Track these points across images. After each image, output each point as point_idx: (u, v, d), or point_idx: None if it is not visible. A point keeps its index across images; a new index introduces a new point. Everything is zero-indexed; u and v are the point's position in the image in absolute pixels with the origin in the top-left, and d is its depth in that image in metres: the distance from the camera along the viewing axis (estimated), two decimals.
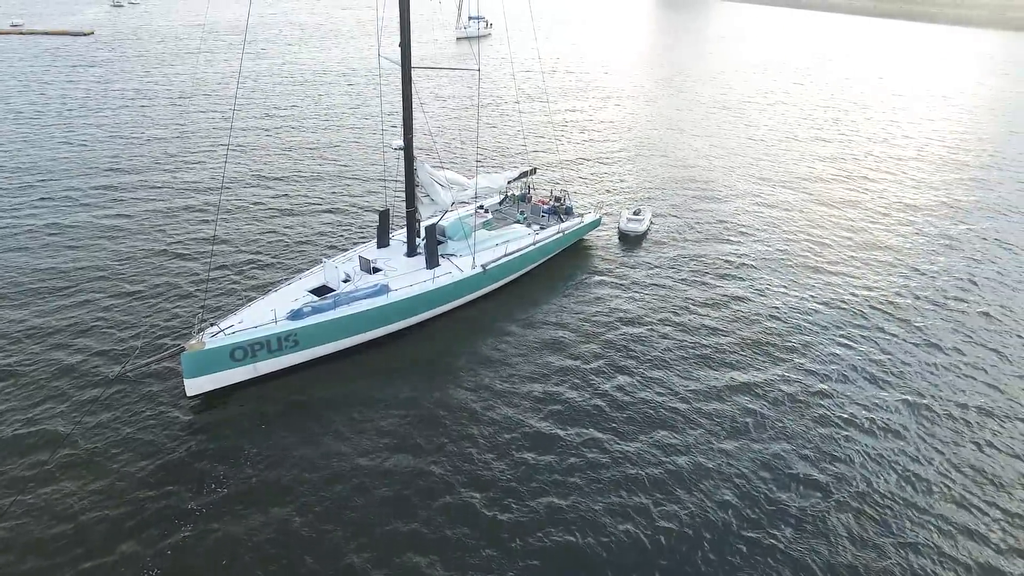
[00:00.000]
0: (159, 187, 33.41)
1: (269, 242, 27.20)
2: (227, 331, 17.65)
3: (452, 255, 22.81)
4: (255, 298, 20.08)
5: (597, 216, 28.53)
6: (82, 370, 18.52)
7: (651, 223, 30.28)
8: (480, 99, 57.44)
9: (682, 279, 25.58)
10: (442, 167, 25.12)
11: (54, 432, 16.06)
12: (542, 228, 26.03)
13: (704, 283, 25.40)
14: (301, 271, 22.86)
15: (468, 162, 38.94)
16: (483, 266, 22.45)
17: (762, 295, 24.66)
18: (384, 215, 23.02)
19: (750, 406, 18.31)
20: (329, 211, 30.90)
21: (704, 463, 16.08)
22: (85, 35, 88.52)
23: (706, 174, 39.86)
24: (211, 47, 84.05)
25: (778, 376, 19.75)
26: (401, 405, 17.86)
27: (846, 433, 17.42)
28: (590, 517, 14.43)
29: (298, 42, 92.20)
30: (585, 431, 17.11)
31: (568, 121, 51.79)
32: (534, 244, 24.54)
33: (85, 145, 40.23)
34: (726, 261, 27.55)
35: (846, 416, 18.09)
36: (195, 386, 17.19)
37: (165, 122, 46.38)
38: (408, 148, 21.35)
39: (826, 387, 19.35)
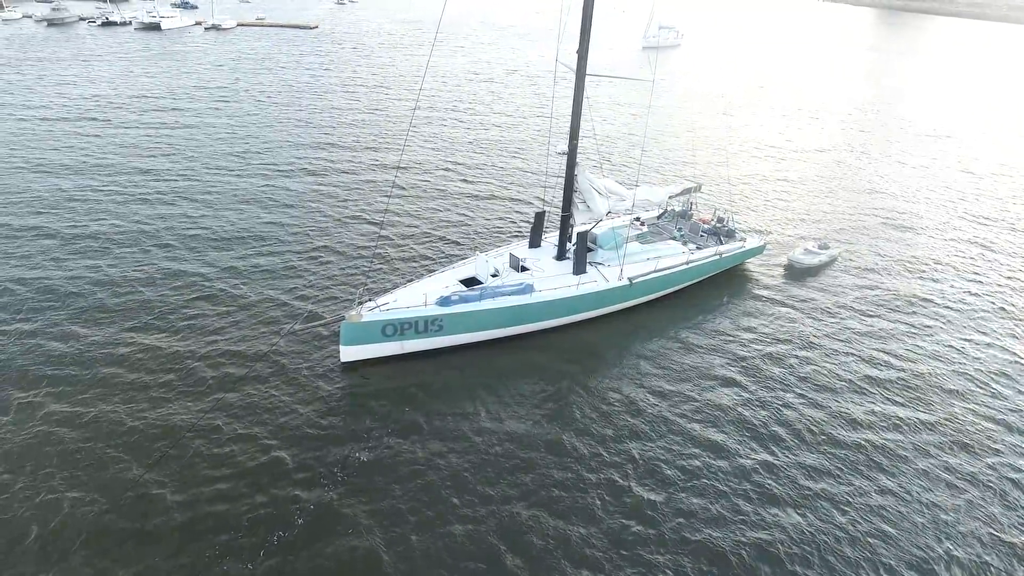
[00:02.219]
0: (356, 162, 37.35)
1: (431, 228, 28.97)
2: (382, 307, 19.14)
3: (601, 264, 22.72)
4: (410, 280, 21.57)
5: (761, 243, 26.78)
6: (279, 301, 22.04)
7: (831, 258, 27.68)
8: (655, 110, 56.33)
9: (851, 321, 23.24)
10: (603, 175, 25.06)
11: (253, 352, 19.39)
12: (698, 248, 25.01)
13: (879, 326, 22.87)
14: (455, 260, 24.12)
15: (632, 172, 38.45)
16: (630, 279, 22.09)
17: (947, 346, 21.71)
18: (539, 216, 23.50)
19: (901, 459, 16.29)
20: (490, 206, 32.19)
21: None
22: (311, 28, 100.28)
23: (906, 208, 35.85)
24: (414, 42, 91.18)
25: (946, 423, 17.33)
26: (533, 397, 18.29)
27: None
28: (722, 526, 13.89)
29: (491, 42, 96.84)
30: (723, 444, 16.56)
31: (751, 138, 49.05)
32: (687, 263, 23.66)
33: (307, 121, 46.16)
34: (910, 305, 24.66)
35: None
36: (349, 353, 18.88)
37: (369, 106, 51.40)
38: (572, 153, 21.59)
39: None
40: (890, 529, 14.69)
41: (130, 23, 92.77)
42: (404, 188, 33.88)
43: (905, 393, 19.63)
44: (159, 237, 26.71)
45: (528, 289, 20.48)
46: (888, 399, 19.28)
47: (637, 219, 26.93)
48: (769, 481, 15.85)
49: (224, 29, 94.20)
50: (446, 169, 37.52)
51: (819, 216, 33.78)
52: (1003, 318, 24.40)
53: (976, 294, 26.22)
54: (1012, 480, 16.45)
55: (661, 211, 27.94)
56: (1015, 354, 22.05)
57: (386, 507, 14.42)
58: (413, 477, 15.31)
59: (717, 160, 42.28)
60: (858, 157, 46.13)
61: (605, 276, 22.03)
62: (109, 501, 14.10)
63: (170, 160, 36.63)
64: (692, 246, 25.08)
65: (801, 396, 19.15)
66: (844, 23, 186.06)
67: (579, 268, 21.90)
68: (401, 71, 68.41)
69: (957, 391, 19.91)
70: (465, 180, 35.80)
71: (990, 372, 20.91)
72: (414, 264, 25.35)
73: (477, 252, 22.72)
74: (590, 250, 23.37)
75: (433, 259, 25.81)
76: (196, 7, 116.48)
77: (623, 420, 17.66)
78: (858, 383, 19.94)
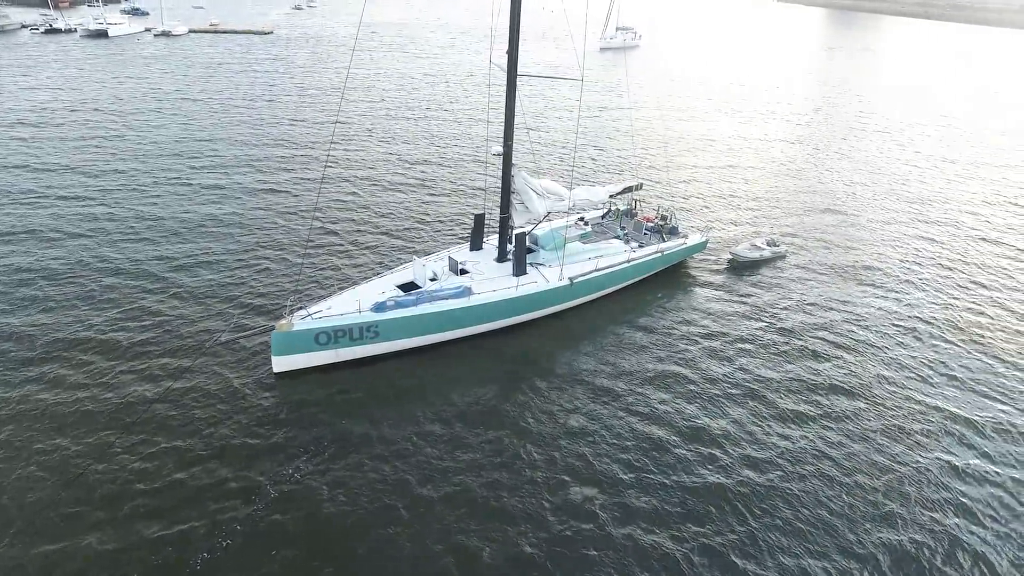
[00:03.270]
0: (306, 167, 36.78)
1: (371, 232, 28.52)
2: (315, 315, 18.74)
3: (541, 265, 22.62)
4: (346, 287, 21.17)
5: (703, 239, 27.03)
6: (218, 305, 21.91)
7: (775, 255, 27.96)
8: (608, 111, 56.69)
9: (788, 311, 23.56)
10: (540, 176, 25.00)
11: (186, 359, 18.99)
12: (641, 246, 25.11)
13: (818, 314, 23.26)
14: (394, 265, 23.79)
15: (585, 172, 38.61)
16: (570, 279, 22.03)
17: (882, 333, 22.17)
18: (479, 218, 23.33)
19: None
20: (430, 209, 31.87)
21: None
22: (266, 34, 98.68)
23: (851, 200, 36.73)
24: (372, 46, 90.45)
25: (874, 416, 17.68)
26: (475, 399, 18.11)
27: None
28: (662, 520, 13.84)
29: (450, 45, 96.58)
30: (666, 436, 16.58)
31: (702, 136, 49.71)
32: (628, 262, 23.72)
33: (254, 126, 45.49)
34: (850, 294, 25.17)
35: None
36: (281, 363, 18.41)
37: (323, 110, 50.54)
38: (507, 155, 21.45)
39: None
40: (826, 513, 14.95)
41: (75, 30, 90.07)
42: (356, 191, 33.45)
43: (839, 377, 20.01)
44: (98, 238, 26.46)
45: (466, 292, 20.27)
46: (822, 383, 19.65)
47: (581, 219, 26.93)
48: (711, 468, 16.03)
49: (175, 35, 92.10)
50: (394, 172, 37.10)
51: (768, 211, 34.29)
52: (936, 303, 24.99)
53: (912, 281, 26.83)
54: (940, 460, 16.84)
55: (605, 210, 28.02)
56: (947, 338, 22.63)
57: (326, 513, 14.11)
58: (356, 481, 15.01)
59: (667, 157, 42.69)
60: (808, 152, 47.07)
61: (545, 276, 21.94)
62: (30, 522, 13.53)
63: (110, 164, 35.93)
64: (634, 244, 25.17)
65: (739, 383, 19.41)
66: (796, 22, 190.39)
67: (519, 269, 21.76)
68: (357, 75, 67.68)
69: (889, 375, 20.36)
70: (404, 182, 35.44)
71: (923, 357, 21.40)
72: (351, 270, 24.93)
73: (415, 256, 22.41)
74: (531, 251, 23.30)
75: (371, 264, 25.43)
76: (147, 13, 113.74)
77: (566, 417, 17.62)
78: (798, 369, 20.29)
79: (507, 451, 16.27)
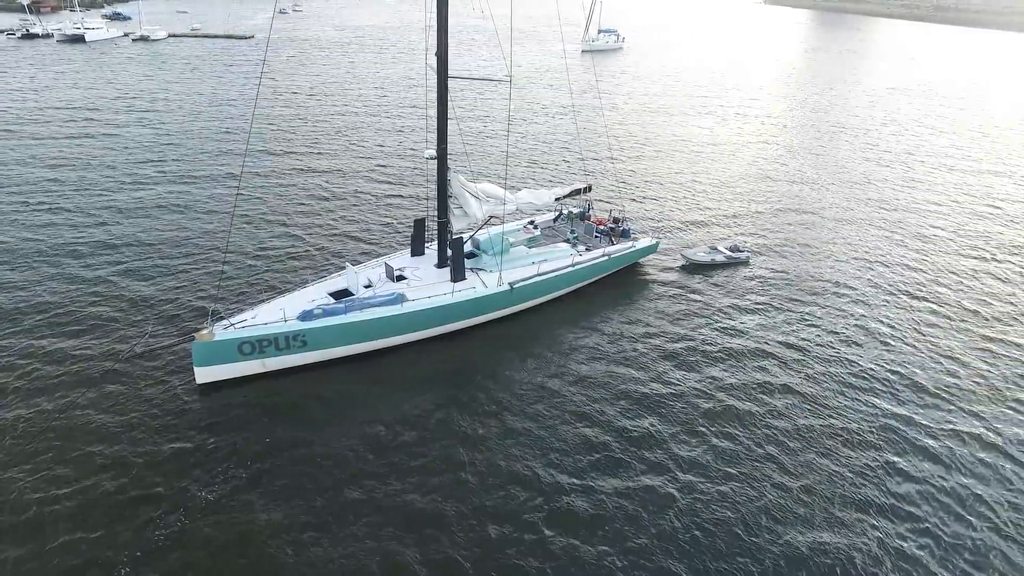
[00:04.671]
0: (272, 171, 36.07)
1: (305, 240, 27.80)
2: (237, 325, 18.22)
3: (482, 270, 22.13)
4: (275, 295, 20.64)
5: (653, 241, 26.59)
6: (149, 310, 21.63)
7: (729, 258, 27.39)
8: (583, 109, 56.37)
9: (731, 312, 23.14)
10: (476, 179, 24.56)
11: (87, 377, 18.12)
12: (589, 249, 24.66)
13: (764, 317, 22.86)
14: (329, 272, 23.27)
15: (556, 175, 38.23)
16: (510, 284, 21.56)
17: (830, 334, 21.79)
18: (419, 223, 22.83)
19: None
20: (369, 214, 31.27)
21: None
22: (246, 38, 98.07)
23: (815, 199, 36.45)
24: (353, 50, 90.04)
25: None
26: (401, 413, 17.56)
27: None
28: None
29: (431, 48, 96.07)
30: (606, 436, 16.14)
31: (674, 139, 49.35)
32: (572, 266, 23.26)
33: (226, 130, 45.12)
34: (801, 297, 24.81)
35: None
36: (204, 374, 17.89)
37: (295, 115, 50.04)
38: (441, 158, 20.99)
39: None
40: (763, 515, 14.60)
41: (52, 35, 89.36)
42: (274, 201, 32.75)
43: (783, 379, 19.71)
44: (50, 237, 26.57)
45: (399, 299, 19.78)
46: (766, 384, 19.39)
47: (531, 223, 26.52)
48: (651, 471, 15.67)
49: (153, 40, 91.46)
50: (331, 178, 36.44)
51: (735, 213, 33.87)
52: (893, 304, 24.63)
53: (870, 280, 26.49)
54: (883, 461, 16.44)
55: (558, 213, 27.59)
56: (903, 340, 22.28)
57: (252, 523, 13.71)
58: (283, 489, 14.66)
59: (633, 159, 42.34)
60: (781, 153, 46.73)
61: (484, 282, 21.45)
62: None
63: (78, 163, 35.86)
64: (582, 248, 24.72)
65: (680, 385, 19.04)
66: (782, 24, 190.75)
67: (457, 275, 21.29)
68: (332, 79, 67.24)
69: (835, 375, 20.01)
70: (344, 188, 34.82)
71: (870, 356, 21.04)
72: (280, 279, 24.23)
73: (348, 263, 21.90)
74: (474, 256, 22.84)
75: (305, 272, 24.70)
76: (129, 18, 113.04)
77: (501, 421, 17.29)
78: (740, 372, 19.95)
79: (439, 458, 15.89)
